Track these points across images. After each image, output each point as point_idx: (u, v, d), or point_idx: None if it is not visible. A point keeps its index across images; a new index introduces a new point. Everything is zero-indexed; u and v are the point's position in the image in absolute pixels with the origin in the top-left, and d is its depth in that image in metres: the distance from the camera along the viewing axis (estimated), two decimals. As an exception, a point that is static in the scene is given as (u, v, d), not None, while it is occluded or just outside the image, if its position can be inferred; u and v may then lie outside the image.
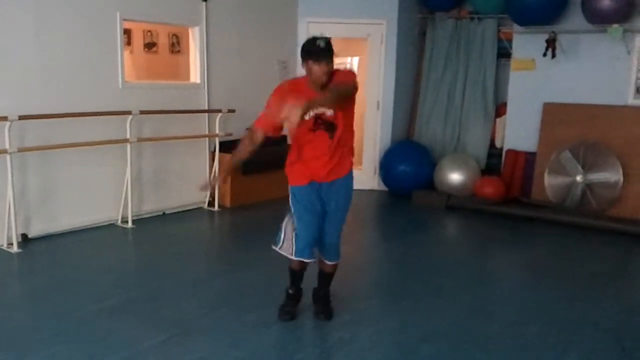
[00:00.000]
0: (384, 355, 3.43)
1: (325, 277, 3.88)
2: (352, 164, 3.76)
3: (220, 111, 6.61)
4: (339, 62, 8.94)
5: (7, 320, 3.68)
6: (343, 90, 3.34)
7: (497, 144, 7.82)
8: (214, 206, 6.73)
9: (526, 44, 7.24)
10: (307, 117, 3.37)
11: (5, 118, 4.79)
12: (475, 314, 4.02)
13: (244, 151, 3.55)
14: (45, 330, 3.56)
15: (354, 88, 3.46)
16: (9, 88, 4.99)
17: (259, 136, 3.50)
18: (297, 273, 3.79)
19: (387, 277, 4.94)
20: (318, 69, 3.32)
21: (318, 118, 3.46)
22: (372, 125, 8.06)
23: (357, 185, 8.00)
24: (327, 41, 3.36)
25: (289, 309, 3.80)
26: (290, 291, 3.84)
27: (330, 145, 3.51)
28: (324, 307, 3.85)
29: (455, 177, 7.33)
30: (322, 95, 3.30)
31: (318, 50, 3.30)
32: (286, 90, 3.47)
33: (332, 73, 3.40)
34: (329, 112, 3.45)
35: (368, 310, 4.06)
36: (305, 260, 3.63)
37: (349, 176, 3.69)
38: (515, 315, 4.04)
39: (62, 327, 3.59)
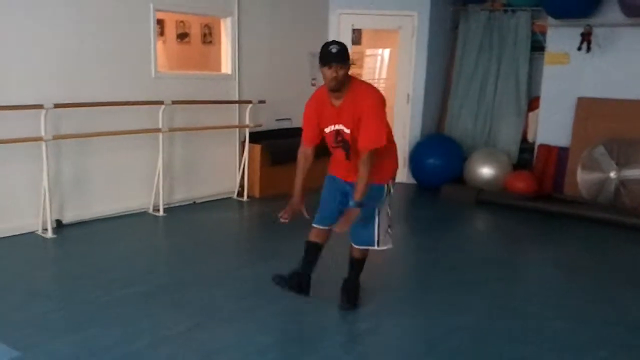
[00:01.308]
0: (408, 347, 3.45)
1: (353, 264, 3.91)
2: (382, 178, 3.69)
3: (250, 102, 6.66)
4: (370, 54, 9.00)
5: (40, 304, 3.78)
6: (364, 188, 3.44)
7: (530, 138, 7.72)
8: (243, 196, 6.79)
9: (560, 37, 7.13)
10: (327, 131, 3.55)
11: (41, 106, 4.91)
12: (502, 309, 4.00)
13: (300, 171, 3.71)
14: (77, 314, 3.65)
15: (370, 165, 3.47)
16: (44, 77, 5.10)
17: (308, 151, 3.68)
18: (309, 245, 3.83)
19: (413, 270, 4.94)
20: (328, 73, 3.34)
21: (338, 134, 3.55)
22: (402, 118, 8.03)
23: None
24: (341, 47, 3.36)
25: (281, 279, 3.75)
26: (299, 268, 3.80)
27: (347, 162, 3.62)
28: (348, 297, 3.84)
29: (485, 171, 7.27)
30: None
31: (329, 55, 3.32)
32: (312, 108, 3.62)
33: (351, 83, 3.45)
34: (346, 130, 3.49)
35: (394, 302, 4.07)
36: (317, 227, 3.81)
37: (373, 187, 3.58)
38: (543, 311, 4.00)
39: (94, 311, 3.68)
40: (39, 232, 5.14)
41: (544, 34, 7.39)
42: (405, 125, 8.01)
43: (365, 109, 3.40)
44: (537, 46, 7.54)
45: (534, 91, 7.71)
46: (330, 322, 3.70)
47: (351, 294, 3.87)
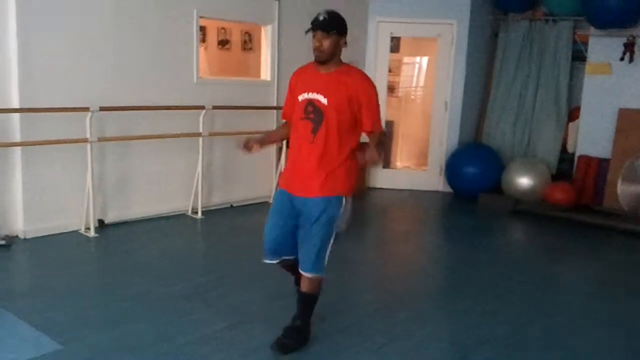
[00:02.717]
0: (439, 356, 3.45)
1: (300, 299, 3.40)
2: (343, 188, 3.21)
3: (289, 108, 6.73)
4: (408, 61, 9.00)
5: (82, 300, 3.91)
6: (375, 144, 3.13)
7: (569, 148, 7.63)
8: (279, 201, 6.85)
9: (603, 47, 7.04)
10: (300, 99, 3.20)
11: (87, 109, 5.07)
12: (535, 321, 3.97)
13: (274, 136, 3.60)
14: (117, 310, 3.76)
15: (383, 140, 3.23)
16: (90, 81, 5.27)
17: (287, 126, 3.44)
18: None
19: (447, 278, 4.93)
20: (313, 40, 3.12)
21: (309, 104, 3.17)
22: (439, 126, 8.02)
23: (421, 185, 7.99)
24: (331, 15, 3.14)
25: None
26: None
27: (309, 145, 3.18)
28: (282, 336, 3.31)
29: (524, 181, 7.20)
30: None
31: (314, 21, 3.12)
32: (295, 75, 3.36)
33: (345, 64, 3.20)
34: (323, 100, 3.14)
35: (425, 310, 4.08)
36: (270, 263, 3.40)
37: (331, 202, 3.16)
38: (577, 324, 3.96)
39: (134, 308, 3.79)
40: (82, 231, 5.30)
41: (585, 43, 7.30)
42: (442, 133, 7.99)
43: (363, 91, 3.14)
44: (578, 56, 7.46)
45: (574, 101, 7.62)
46: (363, 327, 3.72)
47: (288, 336, 3.31)
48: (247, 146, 3.33)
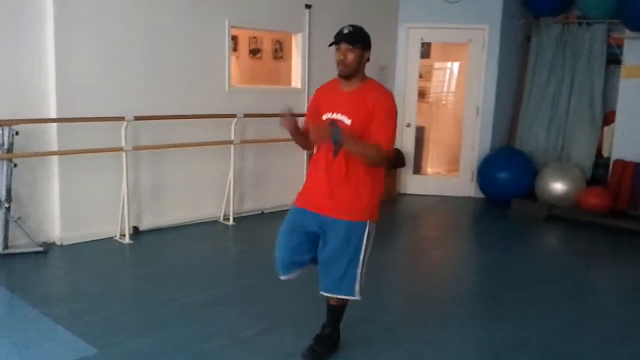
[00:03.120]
0: (473, 361, 3.42)
1: (330, 311, 3.39)
2: (369, 209, 3.12)
3: (319, 115, 6.76)
4: (439, 67, 8.96)
5: (117, 305, 3.98)
6: (359, 147, 2.98)
7: (605, 153, 7.49)
8: (310, 207, 6.88)
9: (638, 50, 6.92)
10: (324, 118, 3.14)
11: (122, 118, 5.18)
12: (570, 327, 3.91)
13: (301, 137, 3.32)
14: (151, 315, 3.83)
15: (379, 157, 3.01)
16: (125, 91, 5.38)
17: (302, 142, 3.41)
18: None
19: (480, 284, 4.88)
20: (336, 55, 3.06)
21: (333, 124, 3.07)
22: (471, 131, 7.96)
23: (452, 191, 7.94)
24: (356, 29, 3.09)
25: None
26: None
27: (330, 166, 3.10)
28: (313, 345, 3.33)
29: (558, 186, 7.09)
30: (325, 127, 3.01)
31: (338, 34, 3.07)
32: (319, 92, 3.32)
33: (368, 79, 3.13)
34: (346, 121, 3.06)
35: (459, 316, 4.05)
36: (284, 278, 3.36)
37: (357, 225, 3.10)
38: (612, 331, 3.89)
39: (167, 313, 3.85)
40: (117, 237, 5.40)
41: (620, 46, 7.18)
42: (474, 139, 7.93)
43: (380, 107, 3.03)
44: (613, 59, 7.33)
45: (609, 105, 7.49)
46: (394, 333, 3.72)
47: (319, 344, 3.34)
48: (289, 121, 3.21)
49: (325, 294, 3.23)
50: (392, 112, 3.07)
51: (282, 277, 3.33)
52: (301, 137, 3.29)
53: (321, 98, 3.26)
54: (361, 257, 3.13)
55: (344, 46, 3.04)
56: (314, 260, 3.25)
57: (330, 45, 3.09)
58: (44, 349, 3.33)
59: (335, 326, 3.38)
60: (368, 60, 3.15)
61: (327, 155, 3.11)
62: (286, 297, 4.21)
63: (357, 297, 3.17)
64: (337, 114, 3.09)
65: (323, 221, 3.12)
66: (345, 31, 3.07)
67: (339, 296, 3.21)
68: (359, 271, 3.14)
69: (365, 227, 3.12)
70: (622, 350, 3.58)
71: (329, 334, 3.36)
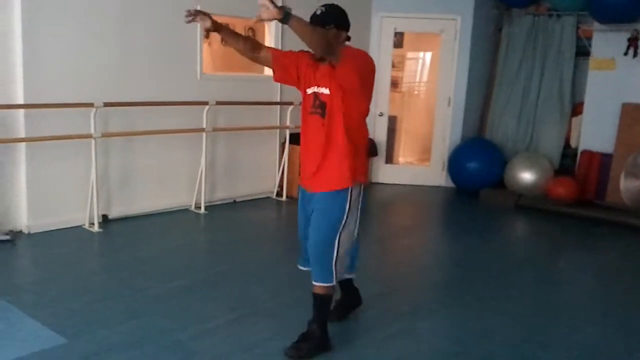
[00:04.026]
0: (441, 349, 3.47)
1: (313, 301, 3.27)
2: (346, 178, 3.09)
3: (292, 104, 6.75)
4: (411, 57, 9.00)
5: (86, 294, 3.93)
6: (301, 29, 2.84)
7: (573, 144, 7.64)
8: (282, 196, 6.89)
9: (606, 42, 7.03)
10: (308, 92, 3.13)
11: (91, 104, 5.10)
12: (538, 315, 3.99)
13: (238, 40, 3.24)
14: (121, 305, 3.79)
15: (316, 42, 2.86)
16: (95, 76, 5.29)
17: (263, 51, 3.29)
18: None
19: (450, 273, 4.94)
20: None
21: (316, 97, 3.10)
22: (442, 122, 8.03)
23: (424, 181, 7.99)
24: (328, 8, 3.03)
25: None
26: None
27: (321, 130, 3.08)
28: (298, 341, 3.24)
29: (526, 176, 7.20)
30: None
31: (312, 17, 3.03)
32: (306, 57, 3.23)
33: (344, 49, 3.03)
34: (325, 91, 3.05)
35: (428, 305, 4.09)
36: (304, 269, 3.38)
37: (334, 195, 3.10)
38: (580, 317, 3.98)
39: (138, 303, 3.82)
40: (86, 226, 5.33)
41: (589, 38, 7.29)
42: (445, 129, 8.00)
43: (346, 55, 2.97)
44: (582, 51, 7.45)
45: (578, 96, 7.61)
46: (365, 320, 3.75)
47: (302, 341, 3.24)
48: (195, 16, 3.14)
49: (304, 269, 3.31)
50: (362, 68, 3.04)
51: (301, 268, 3.39)
52: (229, 35, 3.21)
53: (305, 71, 3.17)
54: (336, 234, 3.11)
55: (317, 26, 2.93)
56: None
57: None
58: (11, 339, 3.28)
59: (319, 322, 3.25)
60: (348, 39, 3.09)
61: (315, 128, 3.11)
62: (257, 285, 4.22)
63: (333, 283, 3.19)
64: (318, 87, 3.08)
65: (310, 197, 3.18)
66: (318, 12, 2.99)
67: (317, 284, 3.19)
68: (335, 251, 3.12)
69: (346, 193, 3.10)
70: (587, 336, 3.66)
71: (314, 331, 3.25)
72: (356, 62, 3.02)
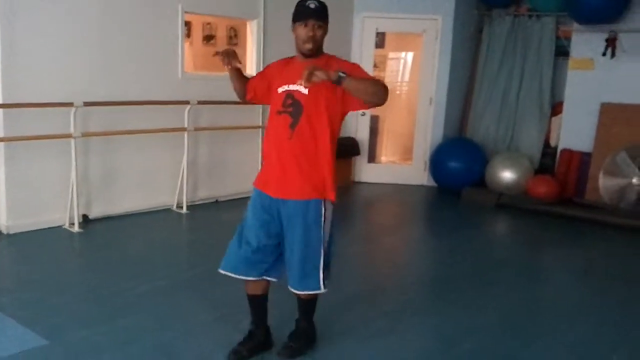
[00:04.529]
0: (425, 347, 3.48)
1: (300, 305, 3.22)
2: (322, 187, 2.90)
3: (274, 103, 6.73)
4: (393, 57, 9.03)
5: (67, 295, 3.90)
6: (359, 80, 2.73)
7: (552, 143, 7.72)
8: (265, 196, 6.86)
9: (585, 42, 7.12)
10: (280, 91, 2.92)
11: (71, 104, 5.05)
12: (521, 312, 4.03)
13: (242, 82, 3.16)
14: (103, 305, 3.76)
15: (379, 84, 2.80)
16: (75, 76, 5.24)
17: (239, 88, 3.16)
18: (250, 299, 3.20)
19: (432, 272, 4.97)
20: (304, 32, 2.85)
21: (289, 97, 2.89)
22: (424, 121, 8.06)
23: (406, 180, 8.02)
24: (320, 3, 2.88)
25: (239, 348, 3.13)
26: (250, 327, 3.22)
27: (288, 141, 2.86)
28: (288, 341, 3.23)
29: (507, 175, 7.26)
30: (319, 67, 2.66)
31: (306, 10, 2.84)
32: (275, 65, 3.10)
33: (326, 53, 2.96)
34: (303, 90, 2.84)
35: (411, 303, 4.11)
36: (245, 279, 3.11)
37: (314, 205, 2.90)
38: (562, 314, 4.02)
39: (120, 303, 3.79)
40: (66, 226, 5.27)
41: (568, 39, 7.38)
42: (427, 128, 8.04)
43: (344, 68, 2.80)
44: (562, 51, 7.54)
45: (558, 96, 7.70)
46: (348, 319, 3.75)
47: (294, 340, 3.24)
48: (228, 59, 3.05)
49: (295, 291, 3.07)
50: (359, 67, 2.96)
51: (250, 278, 3.14)
52: (238, 77, 3.14)
53: (279, 70, 3.03)
54: (321, 241, 2.96)
55: (313, 22, 2.84)
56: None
57: (296, 21, 2.88)
58: (-10, 340, 3.24)
59: (308, 320, 3.25)
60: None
61: (282, 130, 2.88)
62: (240, 283, 4.17)
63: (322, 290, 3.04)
64: (293, 85, 2.87)
65: (279, 203, 2.95)
66: (313, 6, 2.84)
67: (302, 292, 3.07)
68: (321, 259, 2.97)
69: (321, 205, 2.92)
70: (569, 333, 3.70)
71: (304, 328, 3.25)
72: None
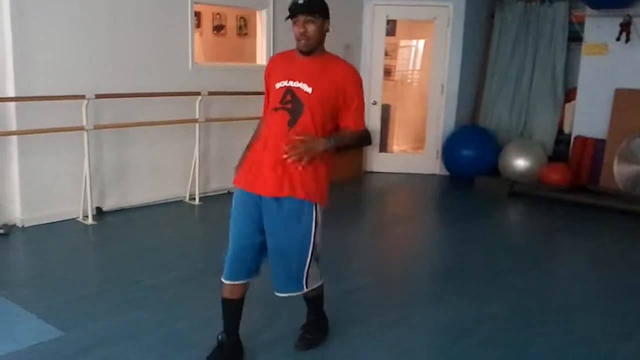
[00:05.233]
0: (437, 336, 3.49)
1: (306, 301, 3.22)
2: (319, 191, 2.83)
3: (285, 93, 6.72)
4: (404, 45, 8.98)
5: (82, 287, 3.93)
6: (348, 140, 2.86)
7: (566, 129, 7.64)
8: (277, 186, 6.87)
9: (599, 27, 7.02)
10: (278, 86, 2.82)
11: (83, 97, 5.06)
12: (533, 299, 4.01)
13: (253, 139, 3.11)
14: (118, 297, 3.79)
15: (364, 138, 2.96)
16: (86, 68, 5.25)
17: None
18: (225, 303, 3.00)
19: (445, 260, 4.95)
20: (295, 27, 2.73)
21: (288, 92, 2.79)
22: (436, 109, 8.01)
23: (418, 169, 8.00)
24: None
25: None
26: (219, 337, 2.99)
27: (284, 135, 2.76)
28: (303, 333, 3.24)
29: (520, 163, 7.21)
30: (318, 139, 2.72)
31: (294, 5, 2.69)
32: (273, 63, 3.02)
33: (328, 53, 2.86)
34: (307, 89, 2.76)
35: (422, 293, 4.11)
36: (228, 283, 2.98)
37: (306, 206, 2.80)
38: (575, 301, 4.00)
39: (134, 295, 3.82)
40: (80, 218, 5.31)
41: (581, 24, 7.28)
42: (439, 116, 7.99)
43: (353, 85, 2.79)
44: (575, 37, 7.44)
45: (571, 82, 7.61)
46: (360, 309, 3.75)
47: (308, 330, 3.25)
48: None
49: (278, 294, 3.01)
50: (362, 87, 2.89)
51: (233, 283, 3.03)
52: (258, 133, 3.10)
53: (274, 67, 2.94)
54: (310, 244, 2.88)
55: (302, 18, 2.68)
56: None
57: (287, 18, 2.75)
58: (8, 332, 3.27)
59: (317, 313, 3.26)
60: (328, 30, 2.81)
61: (279, 127, 2.79)
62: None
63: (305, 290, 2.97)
64: (294, 81, 2.77)
65: (268, 200, 2.84)
66: (301, 0, 2.68)
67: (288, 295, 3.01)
68: (307, 261, 2.90)
69: (313, 208, 2.83)
70: (583, 320, 3.69)
71: (314, 320, 3.26)
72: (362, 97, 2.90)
